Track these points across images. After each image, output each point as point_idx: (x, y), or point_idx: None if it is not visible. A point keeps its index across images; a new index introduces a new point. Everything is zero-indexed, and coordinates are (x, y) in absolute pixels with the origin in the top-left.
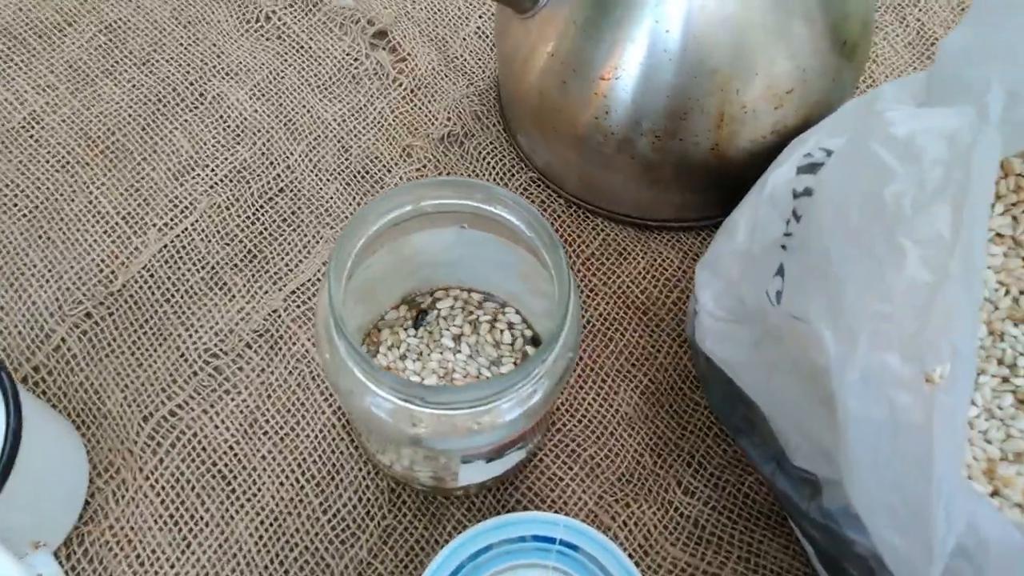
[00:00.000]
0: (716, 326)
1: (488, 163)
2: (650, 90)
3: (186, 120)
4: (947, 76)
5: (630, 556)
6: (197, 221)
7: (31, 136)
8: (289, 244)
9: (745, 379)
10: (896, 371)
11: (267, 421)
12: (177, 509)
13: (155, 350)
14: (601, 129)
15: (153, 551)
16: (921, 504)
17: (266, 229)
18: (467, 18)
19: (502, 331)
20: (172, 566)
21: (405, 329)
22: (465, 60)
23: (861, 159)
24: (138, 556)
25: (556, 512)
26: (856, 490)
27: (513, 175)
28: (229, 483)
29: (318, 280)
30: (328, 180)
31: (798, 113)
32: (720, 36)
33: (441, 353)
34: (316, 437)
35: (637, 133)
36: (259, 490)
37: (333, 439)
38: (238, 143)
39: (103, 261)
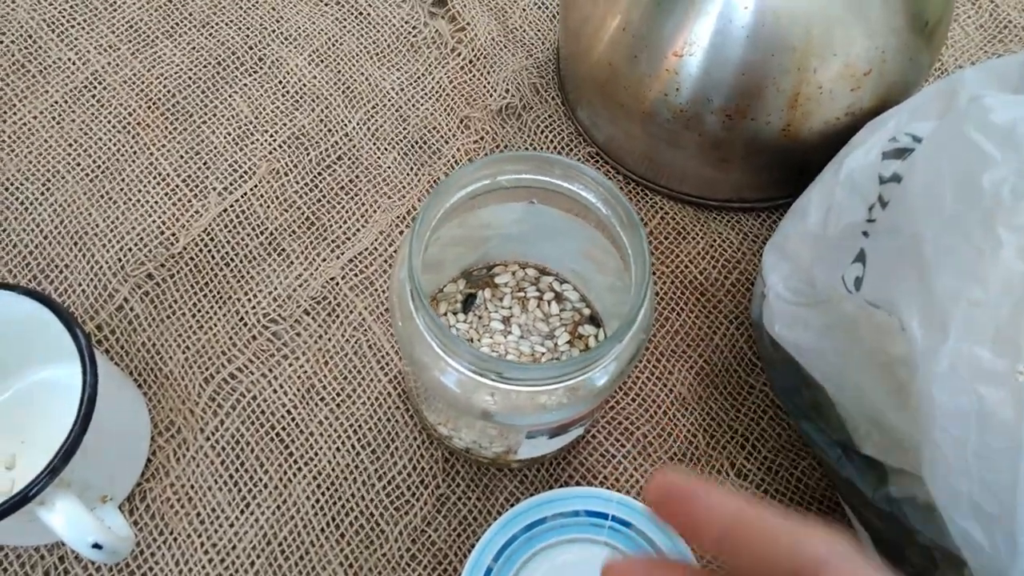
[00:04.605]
0: (785, 309)
1: (546, 136)
2: (724, 67)
3: (245, 84)
4: None
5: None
6: (256, 186)
7: (93, 96)
8: (347, 212)
9: (814, 364)
10: (986, 364)
11: (324, 387)
12: (236, 470)
13: (215, 313)
14: (670, 106)
15: (213, 509)
16: (1006, 497)
17: (324, 196)
18: None
19: (549, 303)
20: (231, 524)
21: (455, 314)
22: (524, 31)
23: (956, 145)
24: (198, 514)
25: (608, 489)
26: (937, 481)
27: (571, 149)
28: (287, 446)
29: (375, 249)
30: (386, 149)
31: (874, 95)
32: (798, 12)
33: (491, 337)
34: (372, 405)
35: (707, 111)
36: (316, 454)
37: (388, 408)
38: (296, 109)
39: (164, 223)
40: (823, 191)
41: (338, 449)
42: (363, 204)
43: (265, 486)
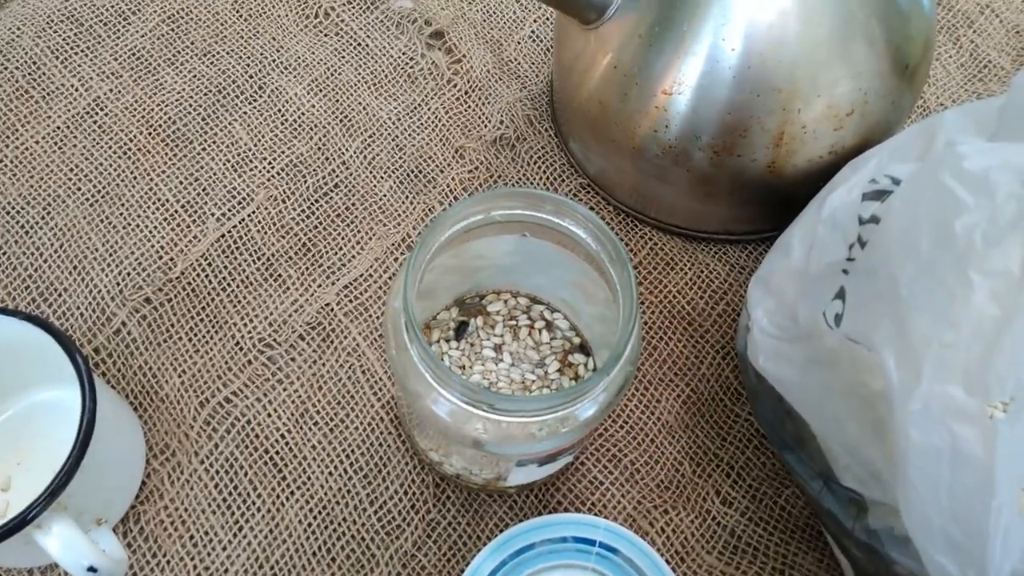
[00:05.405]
0: (769, 343)
1: (539, 167)
2: (711, 106)
3: (245, 112)
4: (1021, 109)
5: (667, 562)
6: (254, 212)
7: (95, 122)
8: (342, 239)
9: (796, 397)
10: (959, 403)
11: (318, 412)
12: (230, 493)
13: (211, 337)
14: (659, 142)
15: (206, 533)
16: (979, 532)
17: (320, 223)
18: (522, 22)
19: (540, 331)
20: (224, 548)
21: (447, 341)
22: (519, 64)
23: (931, 190)
24: (191, 537)
25: (595, 515)
26: (912, 515)
27: (563, 181)
28: (280, 470)
29: (370, 276)
30: (382, 178)
31: (857, 134)
32: (784, 55)
33: (483, 364)
34: (364, 430)
35: (695, 147)
36: (309, 479)
37: (381, 433)
38: (295, 137)
39: (163, 248)
40: (806, 228)
41: (331, 473)
42: (359, 231)
43: (258, 510)
